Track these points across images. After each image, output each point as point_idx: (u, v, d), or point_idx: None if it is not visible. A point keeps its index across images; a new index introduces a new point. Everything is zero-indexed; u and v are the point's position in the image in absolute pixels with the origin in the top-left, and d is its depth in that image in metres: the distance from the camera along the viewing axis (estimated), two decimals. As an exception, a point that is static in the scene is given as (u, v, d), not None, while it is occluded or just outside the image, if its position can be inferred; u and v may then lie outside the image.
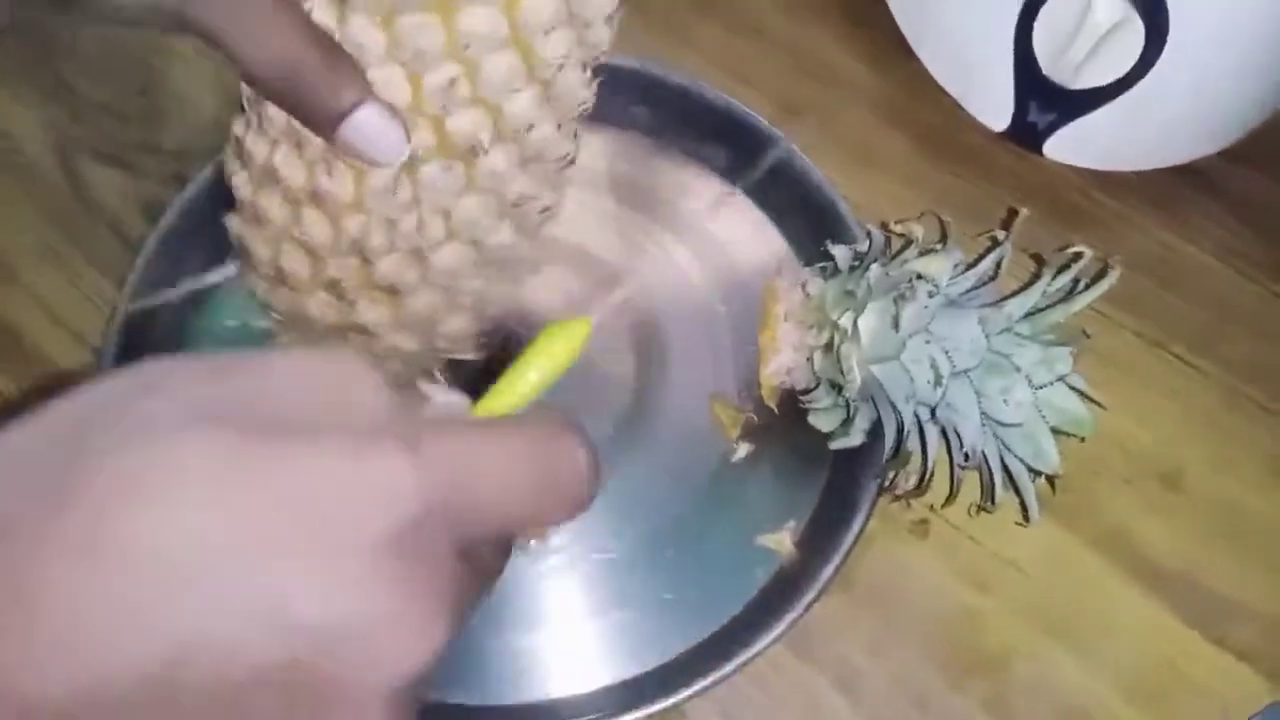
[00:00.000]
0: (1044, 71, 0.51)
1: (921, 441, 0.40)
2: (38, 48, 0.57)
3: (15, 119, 0.56)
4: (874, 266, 0.41)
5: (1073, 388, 0.40)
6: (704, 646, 0.43)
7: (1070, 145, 0.53)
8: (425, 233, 0.34)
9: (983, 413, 0.39)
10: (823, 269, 0.44)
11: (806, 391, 0.43)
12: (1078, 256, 0.41)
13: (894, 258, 0.41)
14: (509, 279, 0.38)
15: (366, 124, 0.30)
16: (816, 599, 0.42)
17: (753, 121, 0.52)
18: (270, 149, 0.33)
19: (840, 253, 0.43)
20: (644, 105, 0.54)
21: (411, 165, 0.32)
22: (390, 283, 0.35)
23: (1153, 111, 0.51)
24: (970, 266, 0.41)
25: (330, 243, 0.34)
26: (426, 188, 0.33)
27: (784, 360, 0.44)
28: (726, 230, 0.52)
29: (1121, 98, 0.50)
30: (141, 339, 0.47)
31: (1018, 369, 0.39)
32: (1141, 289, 0.53)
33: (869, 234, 0.43)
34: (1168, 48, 0.48)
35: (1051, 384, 0.39)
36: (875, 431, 0.42)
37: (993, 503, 0.41)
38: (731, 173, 0.53)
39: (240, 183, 0.35)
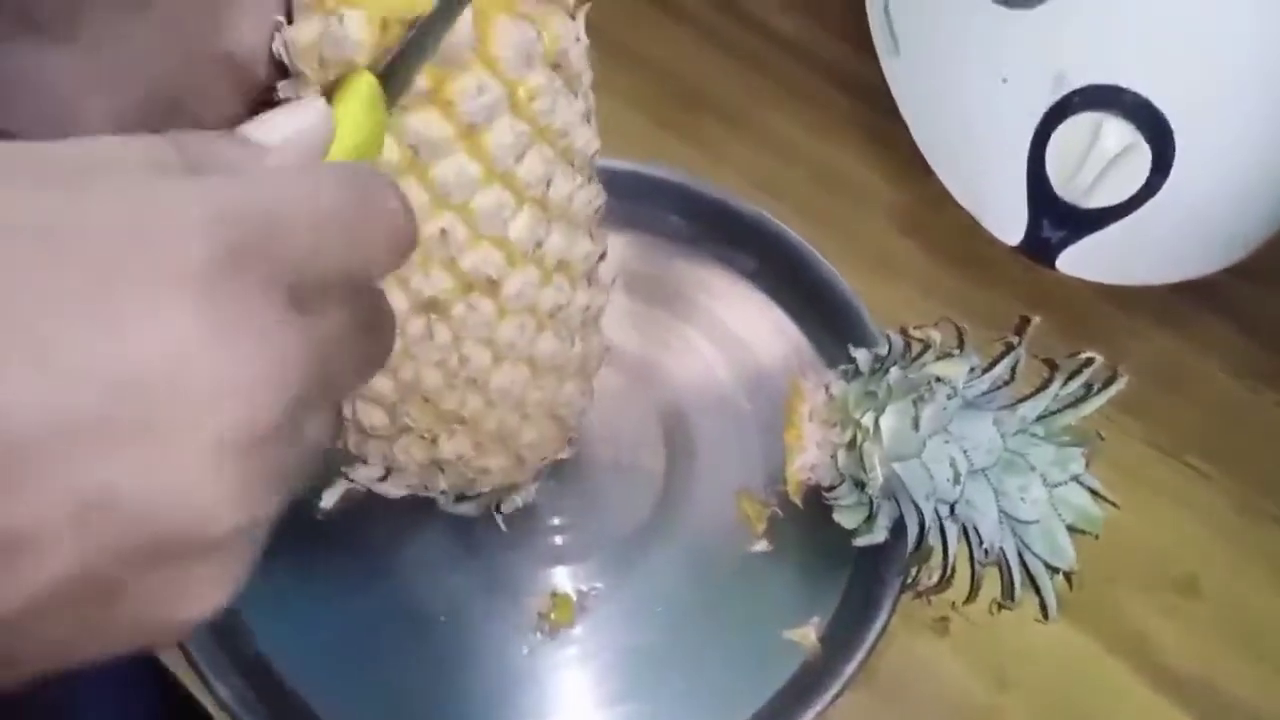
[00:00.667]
0: (1056, 191, 0.53)
1: (942, 538, 0.42)
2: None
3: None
4: (894, 369, 0.43)
5: (1086, 487, 0.41)
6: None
7: (1082, 260, 0.56)
8: (473, 364, 0.36)
9: (1000, 510, 0.41)
10: (845, 371, 0.46)
11: (831, 488, 0.45)
12: (1089, 362, 0.43)
13: (913, 361, 0.44)
14: (580, 378, 0.40)
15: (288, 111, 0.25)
16: (839, 694, 0.43)
17: (779, 230, 0.55)
18: None
19: (862, 355, 0.45)
20: (677, 214, 0.57)
21: (440, 307, 0.34)
22: (458, 415, 0.37)
23: (1160, 230, 0.54)
24: (986, 370, 0.43)
25: (394, 393, 0.36)
26: (460, 325, 0.35)
27: (809, 458, 0.45)
28: (751, 330, 0.55)
29: (1130, 216, 0.53)
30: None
31: (1033, 468, 0.40)
32: (1153, 398, 0.55)
33: (889, 338, 0.45)
34: (1173, 171, 0.51)
35: (1066, 483, 0.40)
36: (898, 529, 0.43)
37: (1012, 599, 0.42)
38: (757, 276, 0.56)
39: None
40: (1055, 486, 0.40)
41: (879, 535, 0.43)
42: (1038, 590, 0.41)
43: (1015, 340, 0.43)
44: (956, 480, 0.40)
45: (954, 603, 0.47)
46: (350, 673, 0.45)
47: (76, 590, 0.18)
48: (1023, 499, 0.40)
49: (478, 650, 0.46)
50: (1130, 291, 0.57)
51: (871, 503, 0.44)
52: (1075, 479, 0.41)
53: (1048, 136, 0.52)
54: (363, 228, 0.22)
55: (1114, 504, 0.42)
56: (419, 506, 0.44)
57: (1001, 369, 0.43)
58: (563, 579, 0.48)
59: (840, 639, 0.45)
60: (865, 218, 0.60)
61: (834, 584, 0.47)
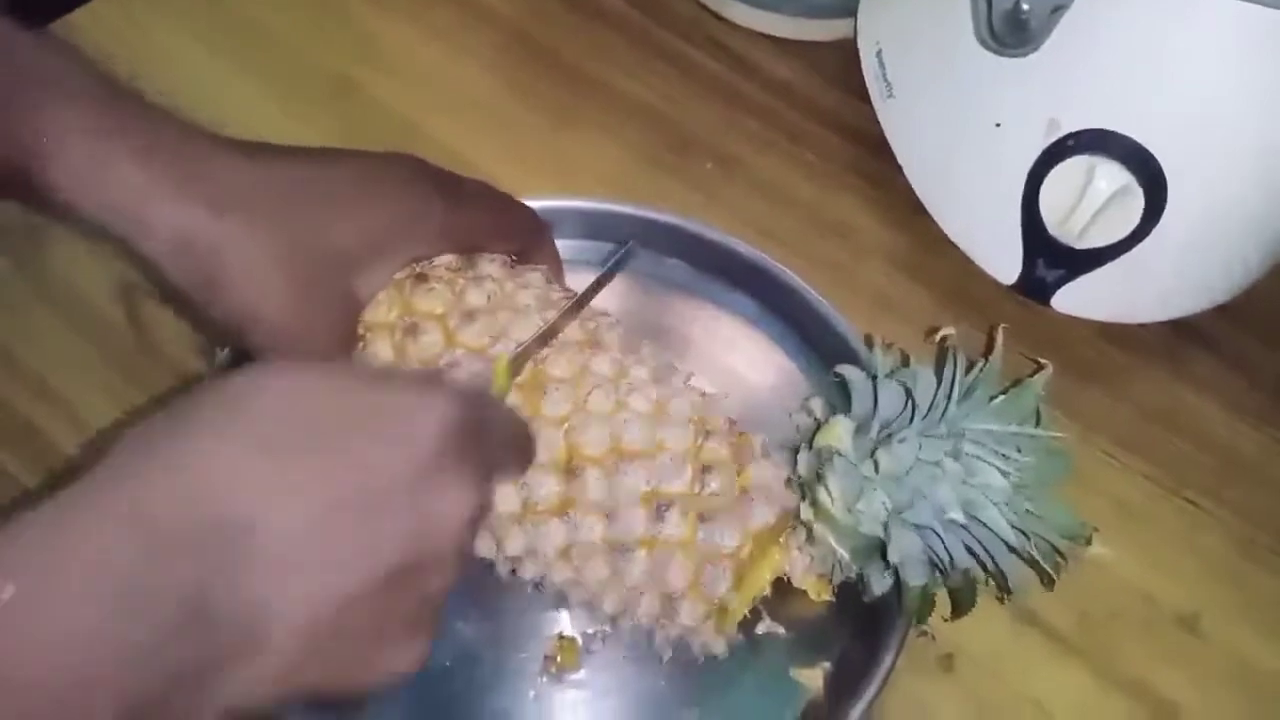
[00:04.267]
0: (1050, 233, 0.54)
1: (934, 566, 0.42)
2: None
3: (84, 270, 0.59)
4: (801, 454, 0.44)
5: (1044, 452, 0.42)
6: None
7: (1077, 299, 0.56)
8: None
9: (964, 526, 0.41)
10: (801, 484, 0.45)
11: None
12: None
13: (811, 439, 0.44)
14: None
15: (468, 368, 0.44)
16: None
17: (778, 272, 0.55)
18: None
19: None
20: (676, 256, 0.57)
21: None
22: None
23: (1153, 270, 0.55)
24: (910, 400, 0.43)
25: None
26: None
27: (798, 565, 0.45)
28: (752, 370, 0.55)
29: (1124, 257, 0.54)
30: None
31: (995, 466, 0.41)
32: (1151, 436, 0.56)
33: (795, 422, 0.46)
34: (1166, 212, 0.52)
35: (1024, 487, 0.41)
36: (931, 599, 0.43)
37: (1009, 594, 0.43)
38: (757, 319, 0.56)
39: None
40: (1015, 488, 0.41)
41: (878, 588, 0.43)
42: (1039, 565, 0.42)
43: (949, 331, 0.44)
44: (905, 516, 0.41)
45: (952, 653, 0.47)
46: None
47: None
48: (990, 498, 0.41)
49: (484, 695, 0.46)
50: (1127, 330, 0.58)
51: (858, 569, 0.44)
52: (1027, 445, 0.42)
53: (1041, 180, 0.53)
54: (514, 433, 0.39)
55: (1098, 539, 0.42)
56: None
57: (924, 388, 0.43)
58: (567, 623, 0.48)
59: (847, 679, 0.45)
60: (861, 260, 0.61)
61: (842, 625, 0.47)
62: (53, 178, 0.38)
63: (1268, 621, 0.50)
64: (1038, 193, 0.54)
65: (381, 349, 0.43)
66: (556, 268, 0.49)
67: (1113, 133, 0.51)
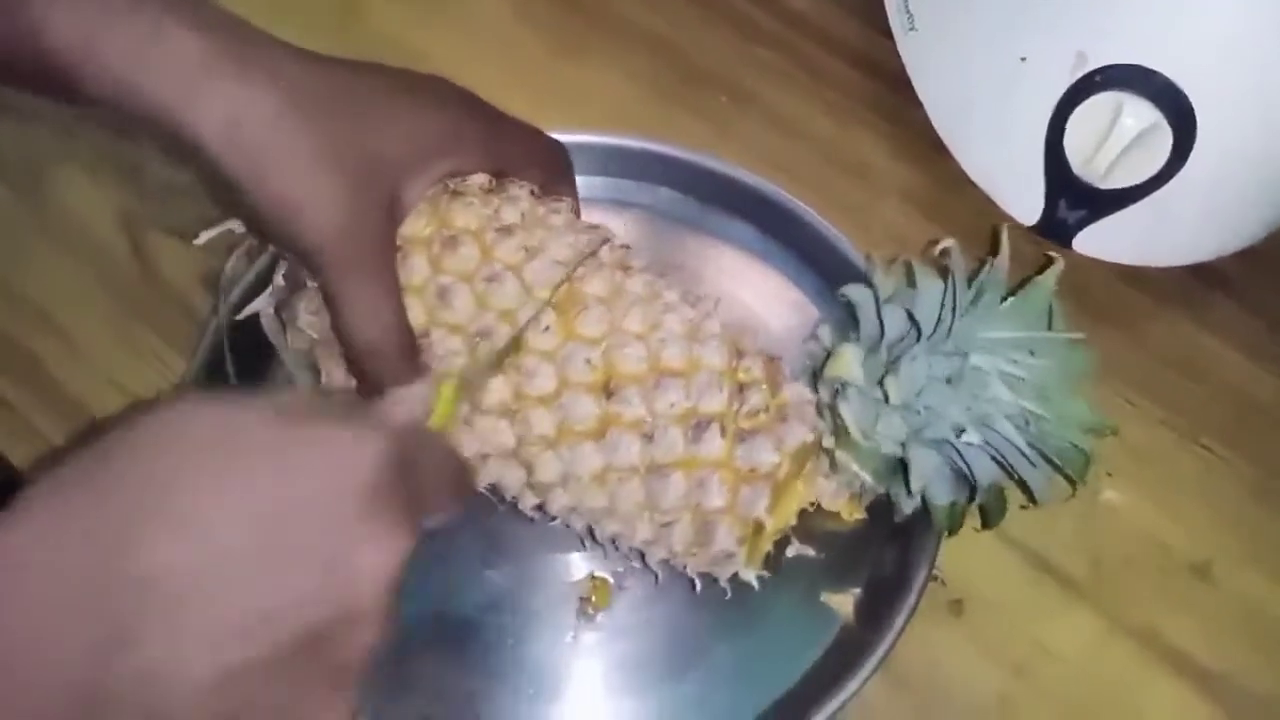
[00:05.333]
0: (1074, 172, 0.53)
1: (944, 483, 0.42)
2: (112, 135, 0.60)
3: (86, 199, 0.58)
4: (819, 381, 0.43)
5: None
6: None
7: (1099, 241, 0.55)
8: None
9: (985, 439, 0.40)
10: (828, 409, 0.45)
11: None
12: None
13: (820, 371, 0.44)
14: None
15: (407, 396, 0.37)
16: (886, 656, 0.43)
17: (790, 204, 0.54)
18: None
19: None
20: (684, 190, 0.56)
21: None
22: None
23: (1177, 212, 0.53)
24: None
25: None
26: None
27: (827, 489, 0.45)
28: (763, 304, 0.54)
29: (1149, 198, 0.52)
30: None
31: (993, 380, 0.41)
32: (1169, 381, 0.55)
33: (808, 349, 0.45)
34: (1194, 153, 0.50)
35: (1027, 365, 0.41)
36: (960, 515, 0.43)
37: (1035, 502, 0.43)
38: (768, 253, 0.55)
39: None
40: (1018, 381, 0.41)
41: (907, 508, 0.43)
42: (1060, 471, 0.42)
43: (949, 243, 0.43)
44: (923, 436, 0.41)
45: (961, 599, 0.47)
46: (394, 675, 0.45)
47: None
48: (1004, 411, 0.40)
49: (521, 645, 0.46)
50: (1147, 273, 0.57)
51: (884, 490, 0.43)
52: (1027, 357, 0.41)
53: (1067, 116, 0.52)
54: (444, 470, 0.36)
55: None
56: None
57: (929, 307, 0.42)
58: (597, 562, 0.47)
59: (877, 603, 0.46)
60: (879, 199, 0.60)
61: (870, 547, 0.48)
62: (102, 55, 0.36)
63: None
64: (1063, 130, 0.52)
65: (418, 264, 0.42)
66: (576, 204, 0.48)
67: (1143, 68, 0.49)
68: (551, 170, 0.46)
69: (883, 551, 0.47)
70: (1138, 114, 0.50)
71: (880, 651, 0.43)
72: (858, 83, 0.63)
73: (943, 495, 0.41)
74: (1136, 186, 0.52)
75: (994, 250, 0.43)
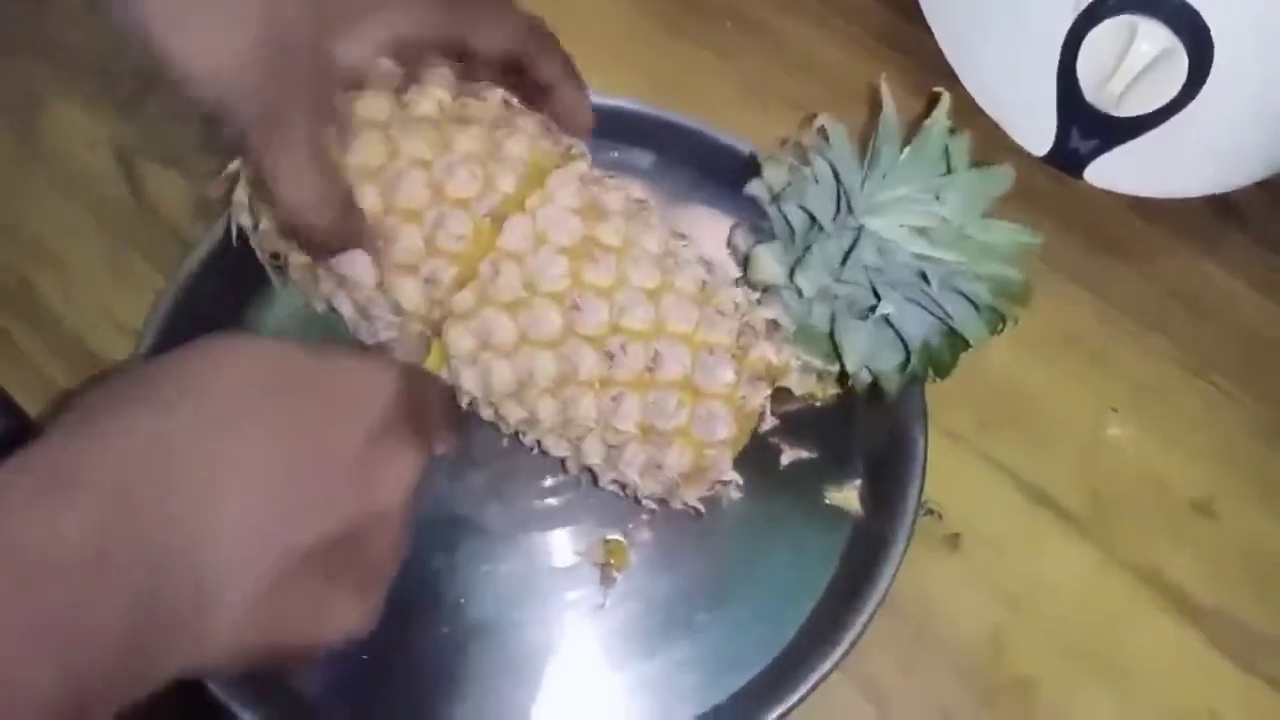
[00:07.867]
0: (1087, 99, 0.51)
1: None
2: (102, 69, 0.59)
3: (81, 130, 0.57)
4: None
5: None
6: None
7: (1111, 171, 0.54)
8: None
9: (912, 300, 0.40)
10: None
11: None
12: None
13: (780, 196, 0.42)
14: None
15: (353, 262, 0.40)
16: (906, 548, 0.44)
17: (675, 120, 0.53)
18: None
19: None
20: (651, 150, 0.54)
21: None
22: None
23: (1193, 141, 0.52)
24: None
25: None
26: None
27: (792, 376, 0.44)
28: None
29: (1162, 126, 0.51)
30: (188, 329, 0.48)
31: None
32: (1179, 316, 0.54)
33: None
34: (1210, 80, 0.49)
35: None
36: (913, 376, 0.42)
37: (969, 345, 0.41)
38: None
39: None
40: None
41: (859, 384, 0.42)
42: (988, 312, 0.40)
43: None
44: (851, 314, 0.40)
45: (959, 533, 0.46)
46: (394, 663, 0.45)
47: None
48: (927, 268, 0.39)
49: (558, 618, 0.45)
50: (1159, 205, 0.56)
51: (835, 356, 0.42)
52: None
53: (1080, 41, 0.50)
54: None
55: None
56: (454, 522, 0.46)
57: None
58: (608, 525, 0.47)
59: (882, 489, 0.46)
60: (886, 128, 0.58)
61: (859, 436, 0.48)
62: None
63: (1282, 506, 0.49)
64: (1075, 55, 0.51)
65: (368, 195, 0.40)
66: (570, 76, 0.44)
67: (1160, -10, 0.48)
68: (521, 39, 0.43)
69: (872, 434, 0.47)
70: (1153, 38, 0.48)
71: (902, 532, 0.43)
72: (867, 10, 0.62)
73: (887, 362, 0.41)
74: (1150, 114, 0.51)
75: (876, 113, 0.42)
